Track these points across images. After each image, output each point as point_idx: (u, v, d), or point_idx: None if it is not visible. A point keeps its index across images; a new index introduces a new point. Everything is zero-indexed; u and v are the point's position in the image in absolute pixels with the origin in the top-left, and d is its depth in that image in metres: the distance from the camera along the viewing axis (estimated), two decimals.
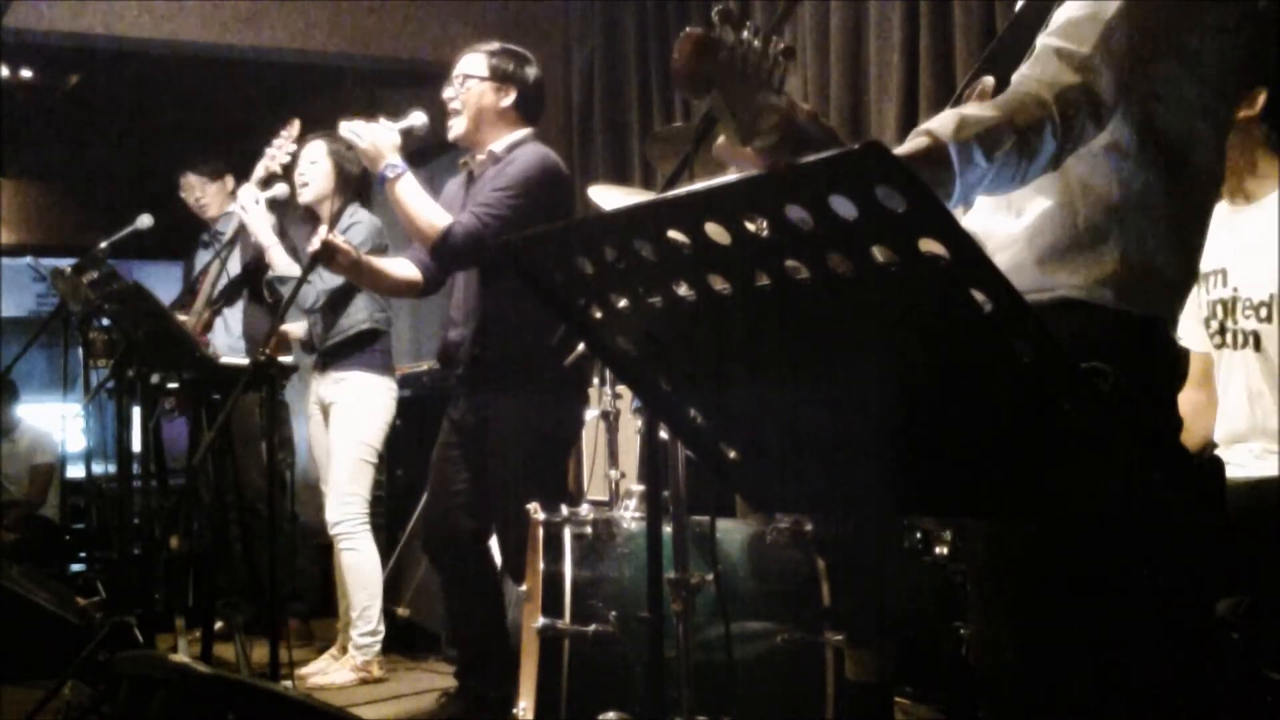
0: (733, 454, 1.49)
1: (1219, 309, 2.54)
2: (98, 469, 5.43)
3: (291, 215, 4.54)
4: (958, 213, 1.62)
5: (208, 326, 4.70)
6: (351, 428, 4.13)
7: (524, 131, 3.37)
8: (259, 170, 4.27)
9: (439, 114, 3.40)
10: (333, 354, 4.17)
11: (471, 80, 3.31)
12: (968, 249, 1.04)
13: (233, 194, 4.73)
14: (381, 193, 3.32)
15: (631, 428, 3.70)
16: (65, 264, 4.68)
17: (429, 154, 5.72)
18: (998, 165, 1.42)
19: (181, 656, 2.94)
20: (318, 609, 5.08)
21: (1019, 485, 1.27)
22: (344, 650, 4.24)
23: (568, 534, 2.86)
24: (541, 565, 2.83)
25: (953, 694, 2.96)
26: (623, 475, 3.55)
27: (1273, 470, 2.38)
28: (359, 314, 4.15)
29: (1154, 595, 1.55)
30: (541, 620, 2.75)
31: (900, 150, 1.43)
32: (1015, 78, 1.52)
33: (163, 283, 7.27)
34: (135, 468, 4.12)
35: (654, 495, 2.25)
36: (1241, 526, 2.08)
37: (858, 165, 1.02)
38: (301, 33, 5.78)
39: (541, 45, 5.13)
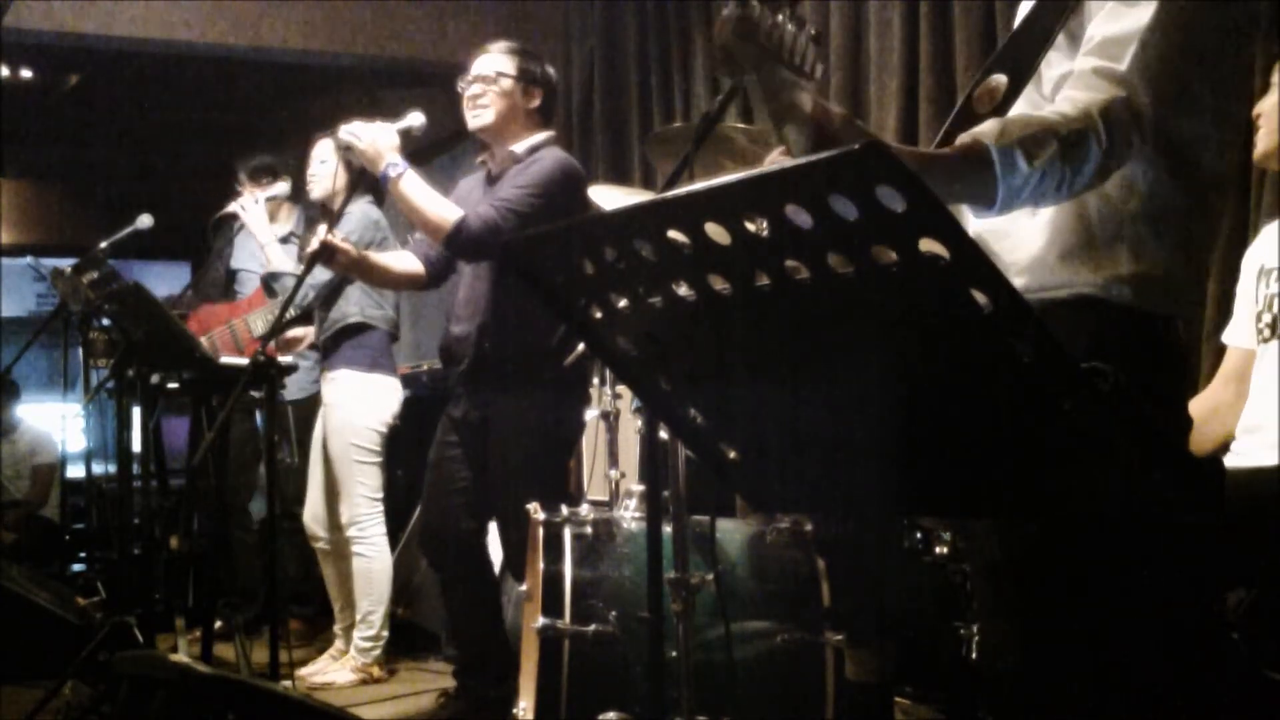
0: (733, 454, 1.49)
1: (1275, 302, 2.53)
2: (98, 469, 5.42)
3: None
4: (967, 213, 1.63)
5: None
6: (341, 428, 4.12)
7: (545, 134, 3.38)
8: (230, 206, 4.43)
9: (439, 113, 3.40)
10: (326, 351, 4.18)
11: (504, 79, 3.32)
12: (968, 249, 1.04)
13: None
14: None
15: (631, 428, 3.70)
16: (65, 264, 4.68)
17: (428, 154, 5.72)
18: (1040, 172, 1.43)
19: (181, 656, 2.94)
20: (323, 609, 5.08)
21: (1019, 485, 1.27)
22: (344, 650, 4.24)
23: (568, 534, 2.85)
24: (541, 565, 2.83)
25: (953, 694, 2.96)
26: (623, 475, 3.55)
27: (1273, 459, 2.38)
28: (349, 307, 4.14)
29: (1154, 595, 1.55)
30: (541, 620, 2.75)
31: (942, 150, 1.44)
32: (1057, 98, 1.54)
33: (163, 283, 7.29)
34: (135, 468, 4.11)
35: (654, 495, 2.25)
36: (1242, 517, 2.08)
37: (858, 165, 1.02)
38: (301, 33, 5.78)
39: (541, 45, 5.12)
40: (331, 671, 4.17)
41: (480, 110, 3.32)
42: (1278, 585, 2.13)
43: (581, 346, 2.94)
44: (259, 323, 4.66)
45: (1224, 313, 2.71)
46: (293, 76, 6.69)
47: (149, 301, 3.63)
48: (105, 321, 4.31)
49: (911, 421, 1.25)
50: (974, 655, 2.56)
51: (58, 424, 6.28)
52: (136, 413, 4.03)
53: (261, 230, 4.26)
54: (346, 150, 3.26)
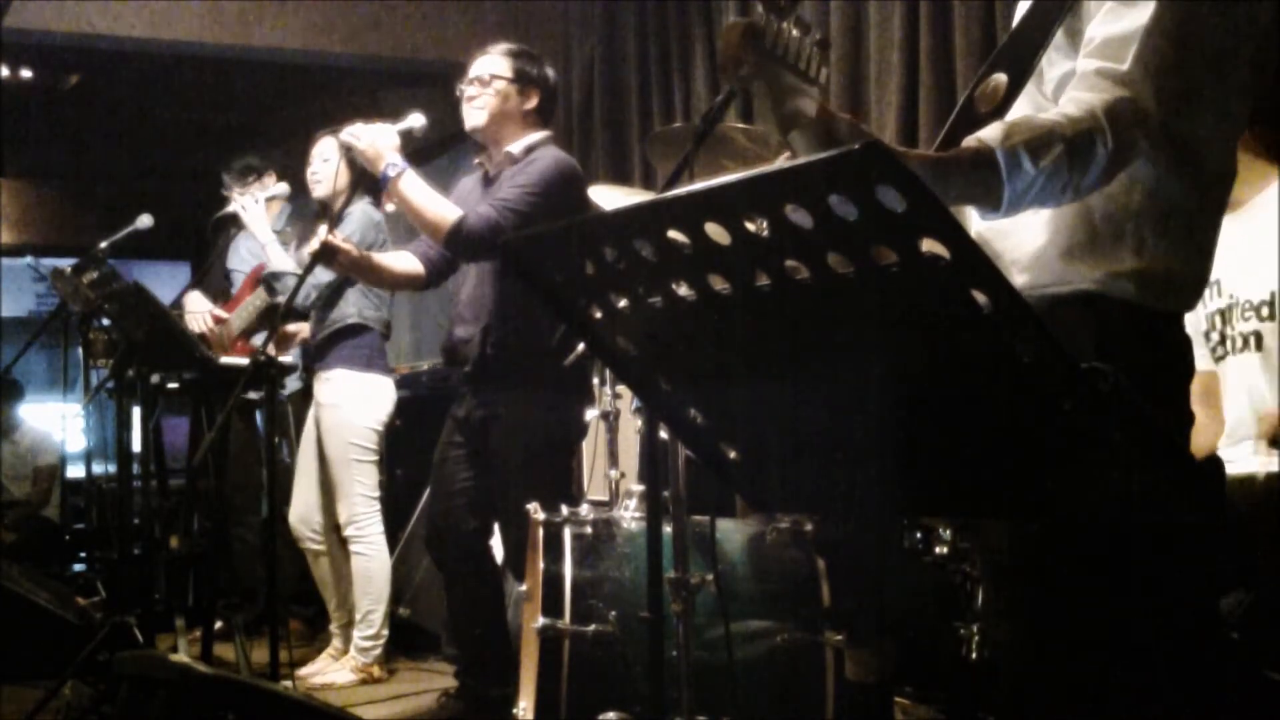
0: (733, 454, 1.49)
1: (1217, 319, 2.56)
2: (98, 469, 5.43)
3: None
4: (971, 213, 1.63)
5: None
6: (339, 427, 4.12)
7: (542, 134, 3.38)
8: (230, 207, 4.41)
9: (440, 113, 3.40)
10: (320, 351, 4.18)
11: (499, 81, 3.32)
12: (968, 249, 1.04)
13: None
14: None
15: (631, 428, 3.70)
16: (65, 264, 4.67)
17: (428, 154, 5.72)
18: (1046, 173, 1.43)
19: (181, 656, 2.94)
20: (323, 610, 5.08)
21: (1019, 485, 1.27)
22: (342, 649, 4.24)
23: (568, 534, 2.85)
24: (541, 565, 2.83)
25: (953, 694, 2.96)
26: (623, 475, 3.55)
27: (1272, 466, 2.39)
28: (347, 308, 4.14)
29: (1154, 595, 1.55)
30: (541, 620, 2.75)
31: (947, 154, 1.44)
32: (1061, 100, 1.53)
33: (163, 283, 7.28)
34: (135, 468, 4.12)
35: (654, 495, 2.25)
36: (1237, 521, 2.09)
37: (858, 165, 1.02)
38: (302, 33, 5.78)
39: (541, 45, 5.12)
40: (331, 671, 4.16)
41: (474, 112, 3.33)
42: (1277, 585, 2.14)
43: (581, 346, 2.95)
44: (237, 320, 4.66)
45: None
46: (293, 76, 6.68)
47: (149, 301, 3.63)
48: (105, 321, 4.31)
49: (911, 422, 1.25)
50: (974, 655, 2.56)
51: (58, 424, 6.29)
52: (136, 413, 4.03)
53: (262, 230, 4.26)
54: (349, 150, 3.27)
